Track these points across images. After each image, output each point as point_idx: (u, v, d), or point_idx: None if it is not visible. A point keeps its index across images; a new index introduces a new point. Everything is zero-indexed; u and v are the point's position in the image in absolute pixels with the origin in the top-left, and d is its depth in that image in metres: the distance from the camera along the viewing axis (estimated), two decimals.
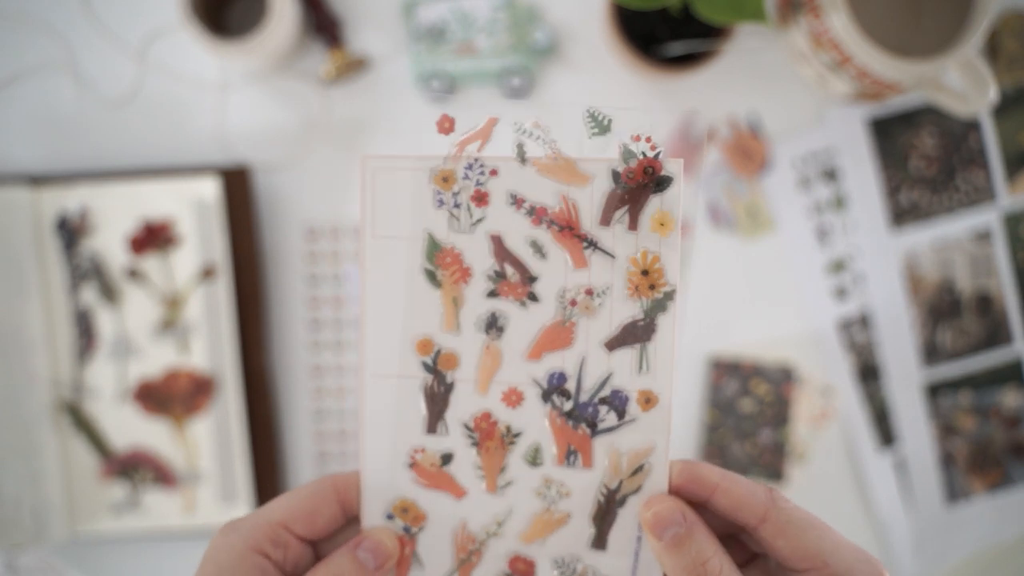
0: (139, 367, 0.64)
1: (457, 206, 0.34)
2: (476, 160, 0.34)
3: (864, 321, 0.69)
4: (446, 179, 0.34)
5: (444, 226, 0.34)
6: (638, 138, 0.33)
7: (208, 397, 0.64)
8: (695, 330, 0.68)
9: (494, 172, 0.34)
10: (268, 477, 0.66)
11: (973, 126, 0.69)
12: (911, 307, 0.69)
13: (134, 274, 0.64)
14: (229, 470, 0.65)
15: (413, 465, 0.35)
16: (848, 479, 0.69)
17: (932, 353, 0.70)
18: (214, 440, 0.65)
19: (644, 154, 0.33)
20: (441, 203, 0.34)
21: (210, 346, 0.64)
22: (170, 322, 0.64)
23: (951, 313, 0.70)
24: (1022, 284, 0.70)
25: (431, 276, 0.34)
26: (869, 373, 0.69)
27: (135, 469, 0.65)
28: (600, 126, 0.33)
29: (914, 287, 0.69)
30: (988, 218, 0.69)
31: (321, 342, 0.68)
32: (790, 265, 0.69)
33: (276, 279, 0.68)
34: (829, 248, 0.69)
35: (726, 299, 0.69)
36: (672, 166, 0.33)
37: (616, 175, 0.33)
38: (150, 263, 0.64)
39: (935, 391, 0.70)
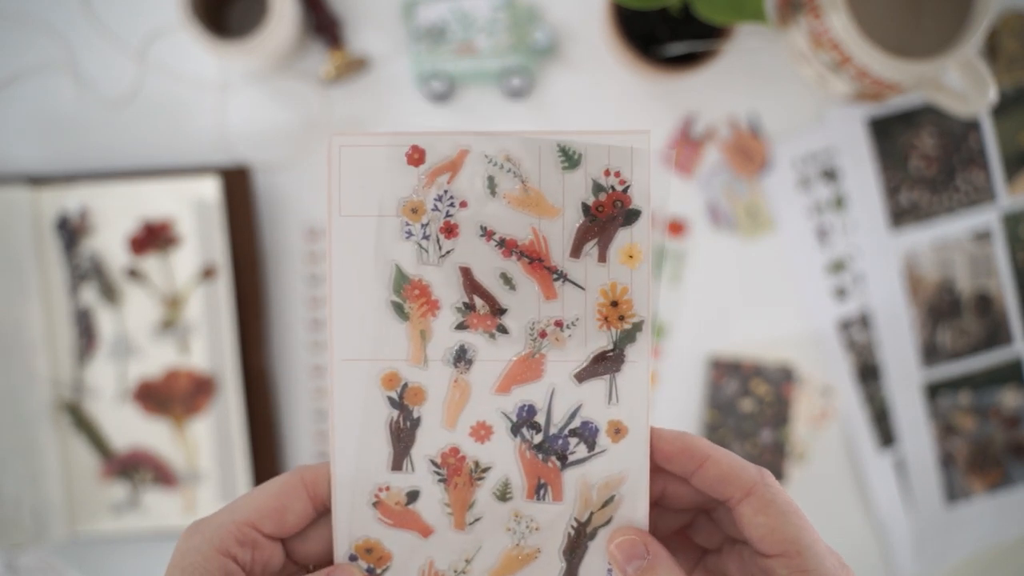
0: (139, 367, 0.64)
1: (426, 238, 0.33)
2: (446, 192, 0.33)
3: (864, 321, 0.69)
4: (415, 210, 0.33)
5: (412, 258, 0.33)
6: (608, 172, 0.33)
7: (208, 397, 0.64)
8: (695, 330, 0.68)
9: (464, 204, 0.33)
10: (268, 477, 0.66)
11: (973, 126, 0.69)
12: (911, 307, 0.69)
13: (134, 274, 0.64)
14: (229, 470, 0.65)
15: (377, 504, 0.34)
16: (848, 479, 0.69)
17: (932, 353, 0.70)
18: (214, 440, 0.65)
19: (614, 188, 0.33)
20: (409, 235, 0.33)
21: (210, 346, 0.64)
22: (170, 322, 0.64)
23: (951, 313, 0.70)
24: (1022, 284, 0.70)
25: (398, 309, 0.34)
26: (869, 373, 0.69)
27: (135, 469, 0.65)
28: (571, 160, 0.33)
29: (914, 287, 0.69)
30: (988, 218, 0.69)
31: (321, 342, 0.68)
32: (790, 265, 0.69)
33: (276, 279, 0.68)
34: (829, 248, 0.69)
35: (726, 299, 0.69)
36: (640, 199, 0.33)
37: (586, 208, 0.33)
38: (150, 263, 0.64)
39: (935, 391, 0.70)
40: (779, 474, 0.68)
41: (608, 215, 0.33)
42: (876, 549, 0.70)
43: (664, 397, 0.68)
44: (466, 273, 0.33)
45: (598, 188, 0.33)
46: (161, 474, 0.65)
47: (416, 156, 0.33)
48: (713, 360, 0.68)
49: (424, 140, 0.33)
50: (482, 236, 0.33)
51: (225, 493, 0.65)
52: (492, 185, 0.33)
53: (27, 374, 0.63)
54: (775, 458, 0.68)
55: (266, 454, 0.66)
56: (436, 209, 0.33)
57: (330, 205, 0.34)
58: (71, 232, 0.64)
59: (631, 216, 0.33)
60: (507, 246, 0.33)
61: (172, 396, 0.64)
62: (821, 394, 0.69)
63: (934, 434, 0.70)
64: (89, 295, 0.64)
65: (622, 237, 0.33)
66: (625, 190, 0.33)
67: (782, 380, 0.68)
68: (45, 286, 0.64)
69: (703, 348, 0.69)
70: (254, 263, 0.65)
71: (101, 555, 0.67)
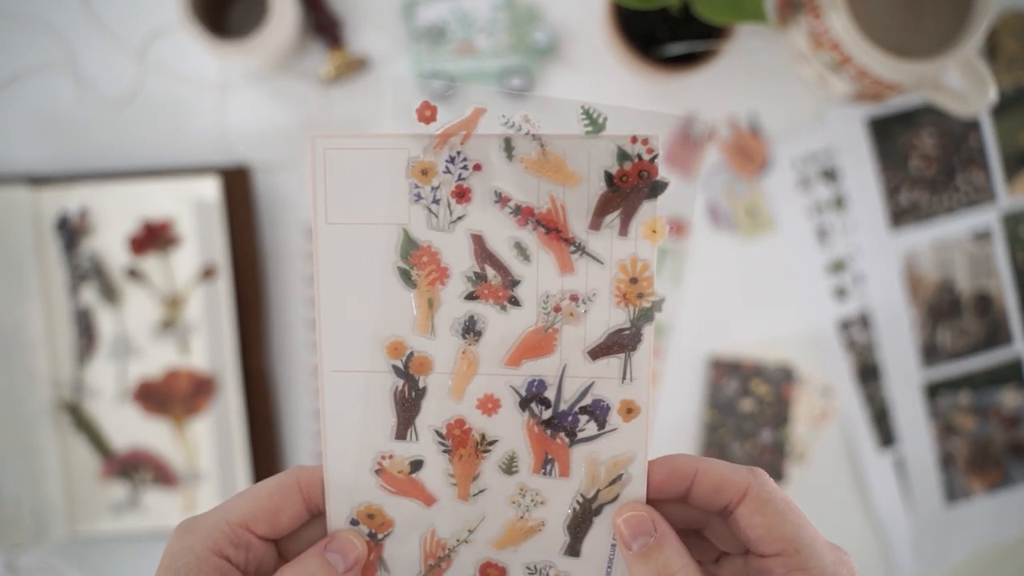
0: (139, 367, 0.64)
1: (436, 201, 0.32)
2: (459, 153, 0.31)
3: (864, 321, 0.69)
4: (425, 172, 0.31)
5: (422, 222, 0.32)
6: (635, 140, 0.31)
7: (208, 397, 0.64)
8: (695, 330, 0.68)
9: (478, 167, 0.31)
10: (268, 477, 0.66)
11: (973, 126, 0.69)
12: (911, 307, 0.69)
13: (134, 274, 0.64)
14: (229, 470, 0.65)
15: (380, 471, 0.33)
16: (848, 479, 0.69)
17: (932, 353, 0.70)
18: (214, 440, 0.65)
19: (640, 157, 0.31)
20: (419, 198, 0.31)
21: (210, 346, 0.64)
22: (170, 322, 0.64)
23: (951, 313, 0.70)
24: (1022, 284, 0.70)
25: (405, 275, 0.32)
26: (869, 373, 0.69)
27: (135, 469, 0.65)
28: (595, 124, 0.31)
29: (914, 287, 0.69)
30: (988, 218, 0.69)
31: None
32: (790, 265, 0.69)
33: (276, 279, 0.68)
34: (829, 248, 0.69)
35: (726, 299, 0.69)
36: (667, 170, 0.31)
37: (609, 177, 0.31)
38: (150, 263, 0.64)
39: (935, 391, 0.70)
40: (779, 474, 0.68)
41: (632, 186, 0.31)
42: (876, 549, 0.70)
43: (664, 397, 0.68)
44: (478, 241, 0.32)
45: (623, 156, 0.31)
46: (161, 474, 0.65)
47: (428, 113, 0.31)
48: (713, 360, 0.68)
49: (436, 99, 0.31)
50: (496, 202, 0.32)
51: (225, 493, 0.65)
52: (509, 148, 0.31)
53: (27, 374, 0.63)
54: (775, 458, 0.68)
55: (266, 454, 0.66)
56: (448, 171, 0.31)
57: (315, 212, 0.32)
58: (71, 232, 0.64)
59: (657, 188, 0.31)
60: (523, 214, 0.32)
61: (172, 396, 0.64)
62: (821, 394, 0.69)
63: (934, 434, 0.70)
64: (89, 295, 0.64)
65: (646, 210, 0.31)
66: (652, 159, 0.31)
67: (782, 380, 0.68)
68: (45, 286, 0.64)
69: (703, 348, 0.69)
70: (254, 263, 0.65)
71: (101, 555, 0.67)
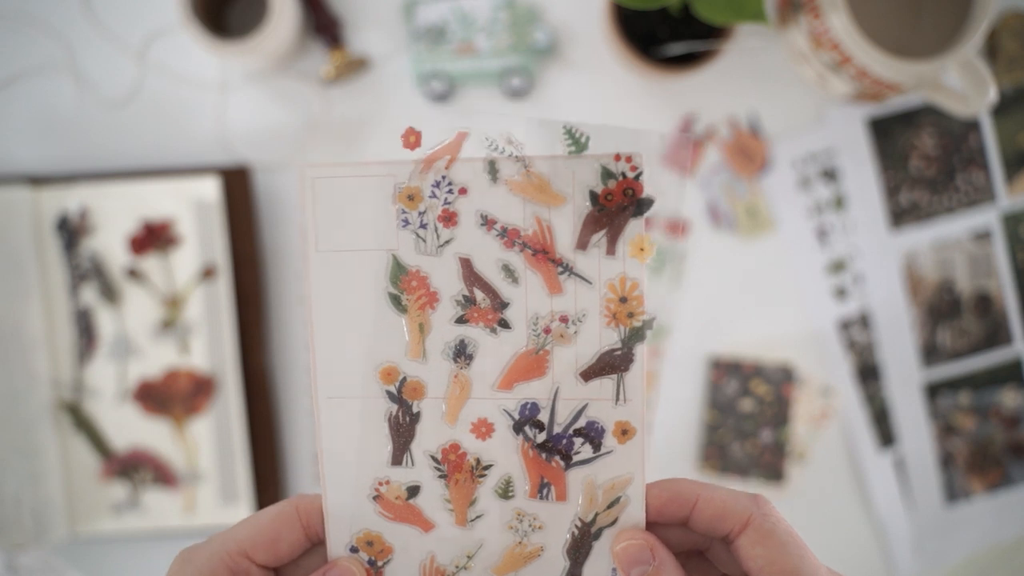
0: (139, 367, 0.64)
1: (423, 226, 0.32)
2: (444, 178, 0.31)
3: (864, 321, 0.69)
4: (411, 197, 0.32)
5: (410, 247, 0.32)
6: (618, 158, 0.31)
7: (208, 397, 0.64)
8: (695, 330, 0.68)
9: (463, 191, 0.32)
10: (268, 477, 0.66)
11: (973, 126, 0.69)
12: (911, 307, 0.69)
13: (134, 274, 0.64)
14: (229, 470, 0.65)
15: (378, 497, 0.33)
16: (848, 479, 0.69)
17: (932, 353, 0.70)
18: (214, 440, 0.65)
19: (624, 175, 0.31)
20: (406, 223, 0.32)
21: (210, 346, 0.64)
22: (170, 322, 0.64)
23: (951, 313, 0.70)
24: (1022, 284, 0.70)
25: (395, 301, 0.32)
26: (869, 373, 0.69)
27: (135, 469, 0.65)
28: (577, 143, 0.31)
29: (914, 287, 0.69)
30: (988, 218, 0.69)
31: None
32: (790, 265, 0.69)
33: (276, 279, 0.68)
34: (829, 248, 0.69)
35: (726, 299, 0.69)
36: (652, 188, 0.31)
37: (594, 196, 0.31)
38: (150, 263, 0.64)
39: (935, 391, 0.70)
40: (779, 474, 0.68)
41: (618, 204, 0.31)
42: (876, 549, 0.70)
43: (664, 397, 0.68)
44: (466, 264, 0.32)
45: (607, 175, 0.31)
46: (161, 474, 0.65)
47: (412, 139, 0.31)
48: (713, 360, 0.68)
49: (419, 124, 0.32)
50: (483, 225, 0.32)
51: (225, 493, 0.65)
52: (493, 170, 0.31)
53: (27, 374, 0.63)
54: (775, 458, 0.68)
55: (266, 454, 0.66)
56: (434, 196, 0.32)
57: (305, 240, 0.32)
58: (71, 232, 0.64)
59: (643, 205, 0.31)
60: (509, 236, 0.32)
61: (172, 396, 0.64)
62: (821, 394, 0.69)
63: (934, 434, 0.70)
64: (89, 295, 0.64)
65: (633, 228, 0.31)
66: (637, 177, 0.31)
67: (782, 380, 0.68)
68: (45, 286, 0.64)
69: (703, 348, 0.69)
70: (254, 263, 0.65)
71: (101, 555, 0.67)
